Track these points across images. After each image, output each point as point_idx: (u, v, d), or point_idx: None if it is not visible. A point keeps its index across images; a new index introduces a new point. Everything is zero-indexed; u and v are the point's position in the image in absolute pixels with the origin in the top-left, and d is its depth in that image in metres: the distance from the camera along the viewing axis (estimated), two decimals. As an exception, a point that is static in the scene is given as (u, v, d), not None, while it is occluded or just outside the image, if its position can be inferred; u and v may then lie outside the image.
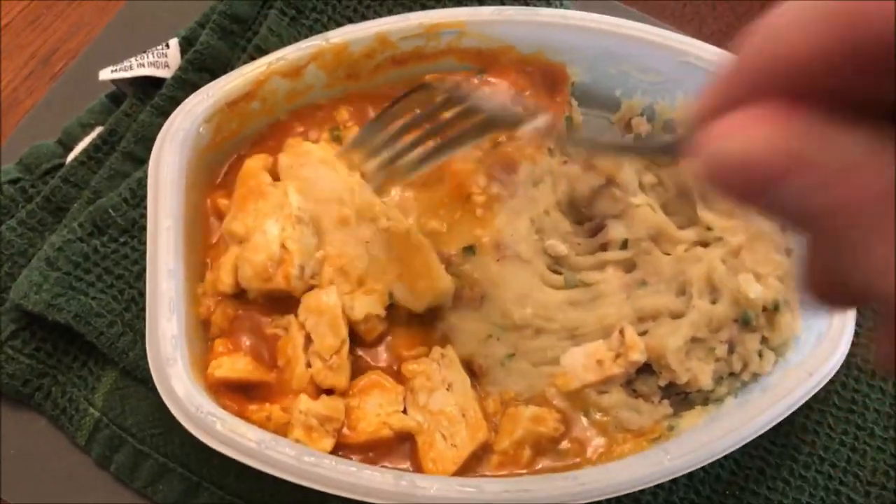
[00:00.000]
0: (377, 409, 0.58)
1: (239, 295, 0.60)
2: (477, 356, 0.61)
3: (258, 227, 0.60)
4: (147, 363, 0.55)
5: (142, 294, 0.59)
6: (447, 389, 0.59)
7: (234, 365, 0.58)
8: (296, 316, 0.59)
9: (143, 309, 0.57)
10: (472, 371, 0.61)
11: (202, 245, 0.63)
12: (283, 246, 0.59)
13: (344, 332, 0.58)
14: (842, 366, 0.62)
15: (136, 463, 0.61)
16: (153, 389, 0.54)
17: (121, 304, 0.63)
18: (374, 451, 0.58)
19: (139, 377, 0.62)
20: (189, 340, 0.57)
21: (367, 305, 0.59)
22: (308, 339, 0.58)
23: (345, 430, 0.57)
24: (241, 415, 0.56)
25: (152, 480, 0.61)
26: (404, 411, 0.59)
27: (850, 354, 0.63)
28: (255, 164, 0.63)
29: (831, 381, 0.62)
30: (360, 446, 0.57)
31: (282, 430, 0.56)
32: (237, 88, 0.64)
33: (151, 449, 0.61)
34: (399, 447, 0.58)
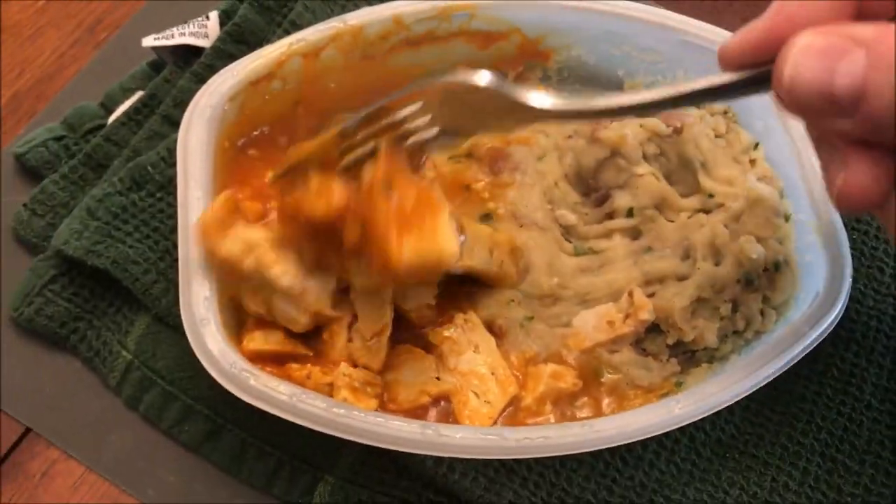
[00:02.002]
0: (413, 379, 0.60)
1: None
2: (497, 318, 0.63)
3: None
4: (178, 310, 0.57)
5: (175, 246, 0.60)
6: (474, 351, 0.60)
7: (269, 338, 0.58)
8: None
9: (177, 260, 0.59)
10: (493, 332, 0.63)
11: None
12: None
13: (388, 317, 0.59)
14: (840, 340, 0.64)
15: (165, 404, 0.63)
16: (183, 335, 0.56)
17: (156, 253, 0.66)
18: (414, 415, 0.59)
19: (170, 323, 0.65)
20: (221, 306, 0.58)
21: (419, 297, 0.61)
22: (354, 317, 0.59)
23: (386, 402, 0.59)
24: (281, 371, 0.57)
25: (179, 421, 0.63)
26: (437, 378, 0.60)
27: (850, 331, 0.65)
28: (220, 213, 0.57)
29: (830, 356, 0.64)
30: (403, 415, 0.59)
31: (322, 391, 0.56)
32: (259, 68, 0.65)
33: (179, 391, 0.64)
34: (436, 410, 0.60)
